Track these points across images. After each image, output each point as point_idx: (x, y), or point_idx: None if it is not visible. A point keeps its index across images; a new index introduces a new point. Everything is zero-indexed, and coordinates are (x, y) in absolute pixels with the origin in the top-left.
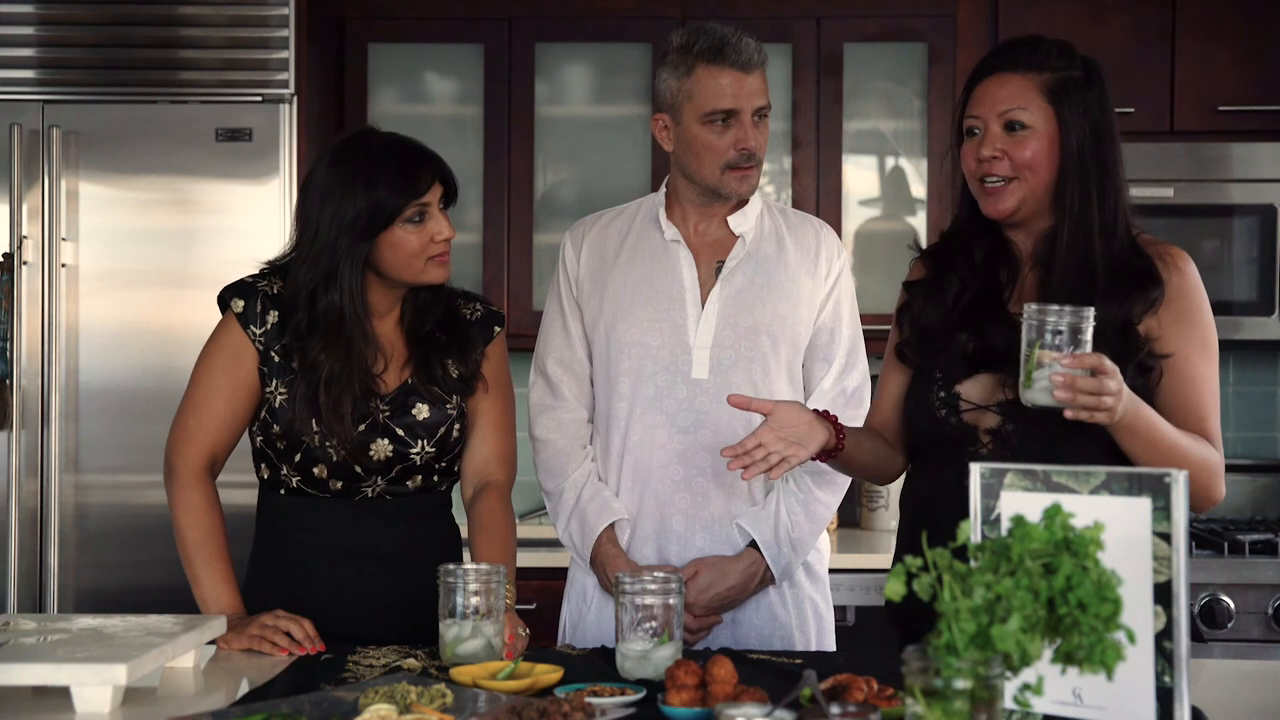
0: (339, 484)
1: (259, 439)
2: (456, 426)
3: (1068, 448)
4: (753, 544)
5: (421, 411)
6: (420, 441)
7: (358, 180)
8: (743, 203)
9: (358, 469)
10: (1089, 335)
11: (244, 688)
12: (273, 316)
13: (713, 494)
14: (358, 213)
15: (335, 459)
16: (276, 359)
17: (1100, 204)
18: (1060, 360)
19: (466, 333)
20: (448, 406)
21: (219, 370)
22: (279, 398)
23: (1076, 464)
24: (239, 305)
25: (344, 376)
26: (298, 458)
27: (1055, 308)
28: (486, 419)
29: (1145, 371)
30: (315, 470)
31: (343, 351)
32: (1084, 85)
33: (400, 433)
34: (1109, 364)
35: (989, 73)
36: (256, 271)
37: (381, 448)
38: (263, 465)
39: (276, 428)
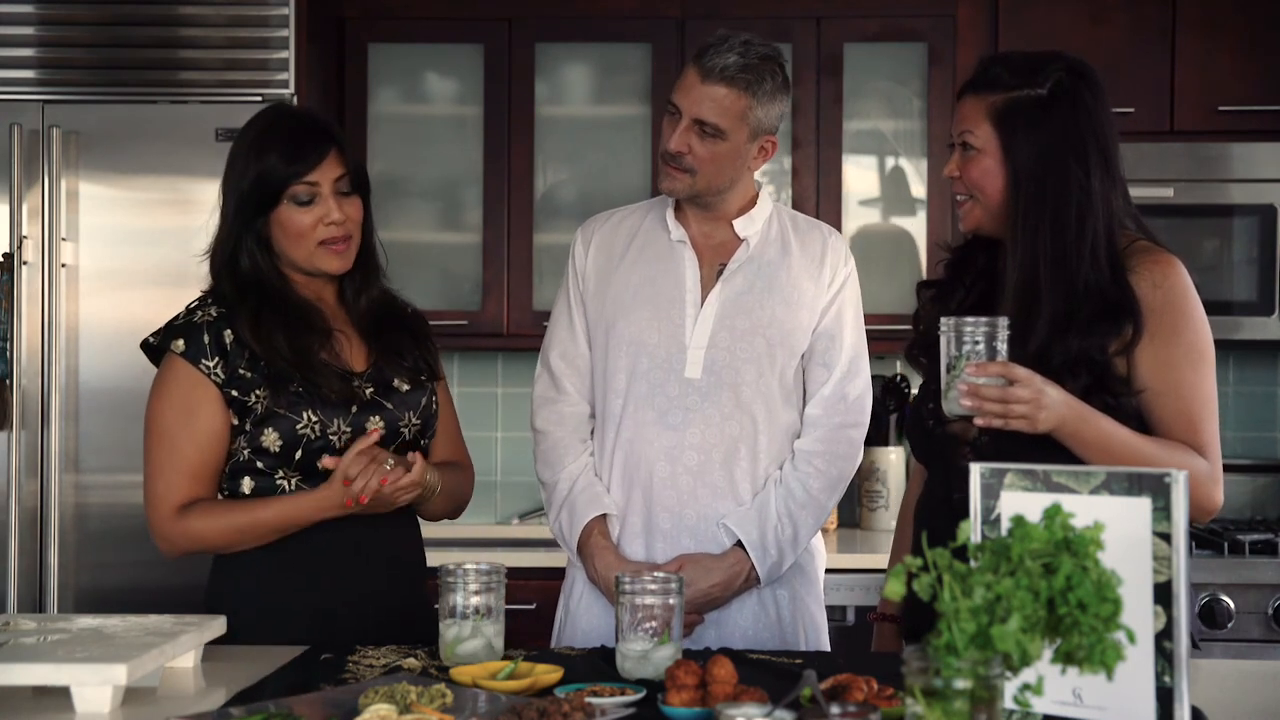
0: None
1: (245, 452)
2: (434, 400)
3: (1041, 460)
4: (739, 544)
5: (402, 385)
6: (407, 414)
7: (251, 149)
8: (750, 205)
9: None
10: (1003, 345)
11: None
12: (228, 335)
13: (700, 492)
14: (250, 183)
15: (339, 445)
16: (249, 375)
17: (1054, 231)
18: (968, 369)
19: (413, 322)
20: (422, 377)
21: (174, 431)
22: (262, 403)
23: None
24: (180, 345)
25: (294, 321)
26: (298, 455)
27: (970, 319)
28: (440, 415)
29: (1119, 400)
30: (320, 464)
31: (276, 303)
32: (1044, 106)
33: (389, 406)
34: (1020, 372)
35: (959, 93)
36: (182, 311)
37: (375, 425)
38: (245, 479)
39: (272, 433)
